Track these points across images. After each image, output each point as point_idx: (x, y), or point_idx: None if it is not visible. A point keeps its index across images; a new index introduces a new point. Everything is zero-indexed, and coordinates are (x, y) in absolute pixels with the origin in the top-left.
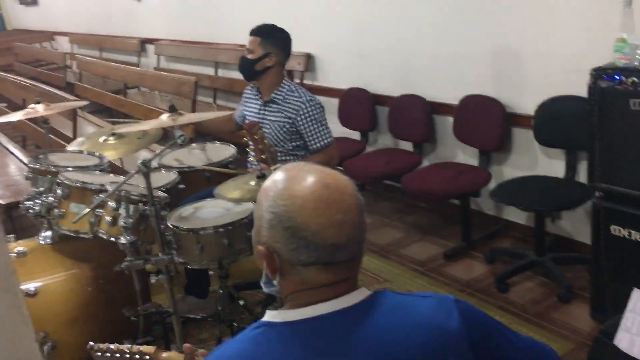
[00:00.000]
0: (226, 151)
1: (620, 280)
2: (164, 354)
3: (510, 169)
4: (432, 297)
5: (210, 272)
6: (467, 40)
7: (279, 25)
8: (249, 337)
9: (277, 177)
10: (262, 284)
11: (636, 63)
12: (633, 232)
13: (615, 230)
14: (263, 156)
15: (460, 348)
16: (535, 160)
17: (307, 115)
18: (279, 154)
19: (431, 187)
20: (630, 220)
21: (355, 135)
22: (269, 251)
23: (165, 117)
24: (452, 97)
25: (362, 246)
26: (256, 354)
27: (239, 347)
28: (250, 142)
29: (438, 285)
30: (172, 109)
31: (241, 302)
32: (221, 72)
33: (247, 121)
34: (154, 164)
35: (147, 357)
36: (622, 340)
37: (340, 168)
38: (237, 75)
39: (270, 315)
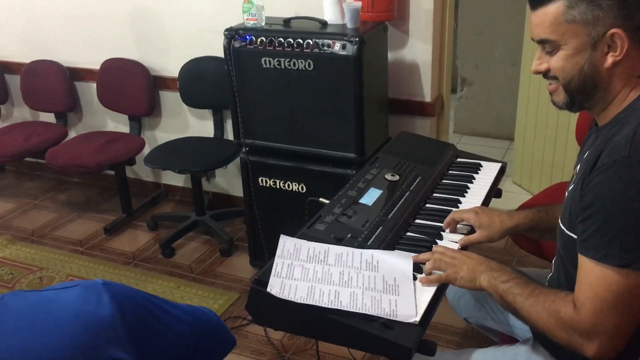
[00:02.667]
0: None
1: (272, 227)
2: None
3: (163, 133)
4: (76, 286)
5: None
6: (102, 1)
7: None
8: None
9: None
10: None
11: (263, 24)
12: (277, 180)
13: (262, 181)
14: None
15: (116, 335)
16: (187, 122)
17: None
18: None
19: (81, 159)
20: (273, 171)
21: None
22: None
23: None
24: (93, 61)
25: None
26: None
27: None
28: None
29: (102, 263)
30: None
31: None
32: None
33: None
34: None
35: None
36: (274, 285)
37: None
38: None
39: None
